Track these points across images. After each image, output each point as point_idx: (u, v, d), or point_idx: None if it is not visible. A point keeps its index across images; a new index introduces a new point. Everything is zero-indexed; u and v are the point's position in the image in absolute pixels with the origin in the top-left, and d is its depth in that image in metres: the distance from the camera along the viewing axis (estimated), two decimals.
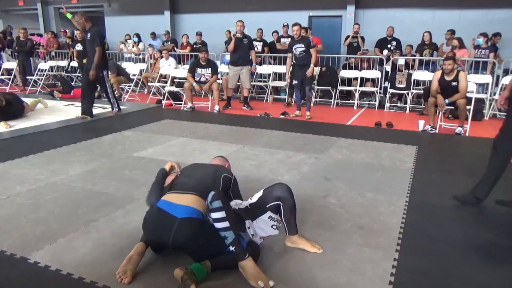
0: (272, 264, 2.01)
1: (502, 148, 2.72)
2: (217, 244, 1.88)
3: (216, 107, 6.68)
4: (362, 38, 8.53)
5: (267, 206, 2.04)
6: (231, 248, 1.85)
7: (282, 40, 8.86)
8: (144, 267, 1.95)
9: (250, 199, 2.13)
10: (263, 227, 2.03)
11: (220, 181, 2.16)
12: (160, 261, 2.02)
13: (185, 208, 1.90)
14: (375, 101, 7.41)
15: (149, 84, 8.94)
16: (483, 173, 2.81)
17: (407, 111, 6.96)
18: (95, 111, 6.52)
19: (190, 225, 1.86)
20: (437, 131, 5.29)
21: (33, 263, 2.01)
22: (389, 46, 8.12)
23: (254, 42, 8.65)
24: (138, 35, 10.53)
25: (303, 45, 5.97)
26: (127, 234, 2.32)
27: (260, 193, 2.10)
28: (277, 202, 2.03)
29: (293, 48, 6.01)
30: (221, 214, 1.84)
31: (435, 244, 2.25)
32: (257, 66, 8.37)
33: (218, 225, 1.85)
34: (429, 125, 5.34)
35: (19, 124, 5.35)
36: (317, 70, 7.74)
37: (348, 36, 8.71)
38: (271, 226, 2.04)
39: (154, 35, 10.81)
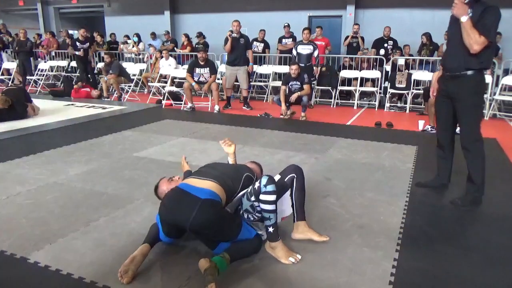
0: (272, 263, 2.00)
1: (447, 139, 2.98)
2: (231, 230, 1.97)
3: (216, 107, 6.68)
4: (362, 38, 8.54)
5: (285, 180, 2.20)
6: (270, 229, 1.98)
7: (283, 40, 8.87)
8: (144, 267, 1.95)
9: None
10: (282, 208, 2.14)
11: (242, 178, 2.20)
12: (160, 261, 2.02)
13: (207, 190, 1.95)
14: (375, 101, 7.41)
15: (149, 84, 8.94)
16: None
17: (407, 111, 6.96)
18: (95, 111, 6.55)
19: (211, 206, 1.90)
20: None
21: (33, 263, 2.01)
22: (385, 45, 8.13)
23: (255, 43, 8.68)
24: (138, 35, 10.53)
25: (298, 82, 6.01)
26: (127, 234, 2.31)
27: (277, 176, 2.23)
28: (292, 175, 2.21)
29: (289, 84, 6.04)
30: (272, 197, 1.93)
31: (435, 244, 2.25)
32: (257, 66, 8.40)
33: (266, 206, 1.94)
34: (429, 125, 5.34)
35: (19, 124, 5.35)
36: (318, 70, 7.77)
37: (347, 36, 8.72)
38: (291, 206, 2.22)
39: (154, 35, 10.81)
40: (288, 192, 2.20)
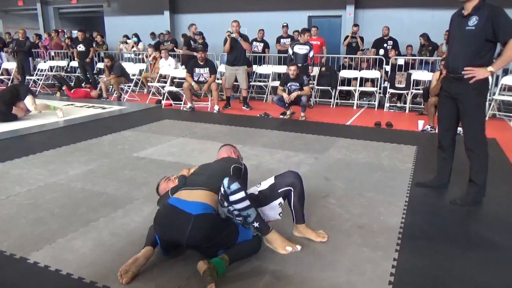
0: (272, 263, 2.00)
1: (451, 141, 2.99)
2: (229, 238, 1.96)
3: (216, 107, 6.68)
4: (361, 38, 8.55)
5: (279, 191, 2.14)
6: (256, 224, 1.96)
7: (281, 40, 8.87)
8: (144, 267, 1.94)
9: (258, 186, 2.19)
10: (268, 213, 2.11)
11: (230, 173, 2.17)
12: (160, 261, 2.02)
13: (198, 204, 1.93)
14: (374, 101, 7.42)
15: (148, 84, 8.94)
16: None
17: (407, 111, 6.96)
18: (94, 111, 6.55)
19: (205, 221, 1.88)
20: (436, 131, 5.28)
21: (32, 263, 2.01)
22: (385, 45, 8.14)
23: (254, 43, 8.69)
24: (137, 35, 10.53)
25: (297, 84, 6.01)
26: (127, 234, 2.31)
27: (271, 180, 2.18)
28: (289, 188, 2.15)
29: (287, 85, 6.04)
30: (241, 195, 1.89)
31: (435, 244, 2.25)
32: (256, 66, 8.41)
33: (239, 205, 1.90)
34: (429, 125, 5.34)
35: (19, 124, 5.35)
36: (316, 70, 7.77)
37: (347, 36, 8.72)
38: (279, 214, 2.15)
39: (153, 35, 10.80)
40: (277, 201, 2.14)
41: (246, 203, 1.91)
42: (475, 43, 2.60)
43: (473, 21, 2.58)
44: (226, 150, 2.60)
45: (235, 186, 1.88)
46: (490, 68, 2.61)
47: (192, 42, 8.40)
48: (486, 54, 2.61)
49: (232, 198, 1.89)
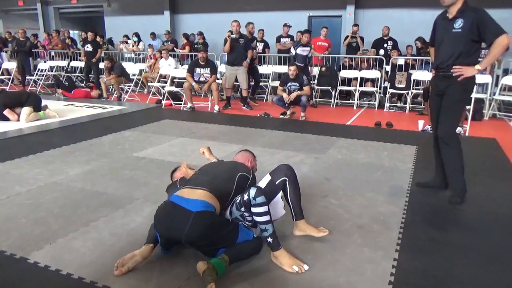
0: (272, 263, 2.00)
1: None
2: (228, 236, 1.96)
3: (216, 107, 6.68)
4: (361, 38, 8.54)
5: (276, 183, 2.20)
6: (269, 240, 1.96)
7: (282, 40, 8.86)
8: (144, 267, 1.95)
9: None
10: (274, 209, 2.11)
11: (235, 179, 2.16)
12: (160, 261, 2.02)
13: (199, 202, 1.93)
14: (375, 101, 7.42)
15: (148, 84, 8.94)
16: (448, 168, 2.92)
17: (407, 111, 6.96)
18: (95, 111, 6.55)
19: (204, 218, 1.88)
20: None
21: (32, 263, 2.01)
22: (385, 45, 8.13)
23: (254, 42, 8.66)
24: (137, 35, 10.52)
25: (297, 84, 6.01)
26: (127, 234, 2.31)
27: (268, 177, 2.23)
28: (284, 178, 2.22)
29: (287, 85, 6.05)
30: (264, 209, 1.92)
31: (435, 244, 2.25)
32: (257, 66, 8.39)
33: (260, 218, 1.92)
34: (429, 125, 5.34)
35: (18, 124, 5.35)
36: (316, 70, 7.77)
37: (347, 36, 8.72)
38: (283, 207, 2.19)
39: (153, 35, 10.80)
40: (280, 195, 2.18)
41: (267, 217, 1.93)
42: (462, 44, 2.70)
43: (459, 23, 2.69)
44: (243, 156, 2.58)
45: (261, 199, 1.91)
46: (477, 66, 2.71)
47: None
48: (473, 54, 2.74)
49: (255, 210, 1.92)
